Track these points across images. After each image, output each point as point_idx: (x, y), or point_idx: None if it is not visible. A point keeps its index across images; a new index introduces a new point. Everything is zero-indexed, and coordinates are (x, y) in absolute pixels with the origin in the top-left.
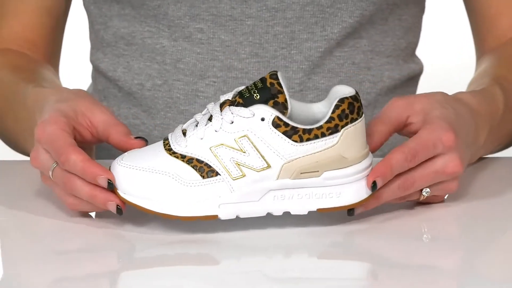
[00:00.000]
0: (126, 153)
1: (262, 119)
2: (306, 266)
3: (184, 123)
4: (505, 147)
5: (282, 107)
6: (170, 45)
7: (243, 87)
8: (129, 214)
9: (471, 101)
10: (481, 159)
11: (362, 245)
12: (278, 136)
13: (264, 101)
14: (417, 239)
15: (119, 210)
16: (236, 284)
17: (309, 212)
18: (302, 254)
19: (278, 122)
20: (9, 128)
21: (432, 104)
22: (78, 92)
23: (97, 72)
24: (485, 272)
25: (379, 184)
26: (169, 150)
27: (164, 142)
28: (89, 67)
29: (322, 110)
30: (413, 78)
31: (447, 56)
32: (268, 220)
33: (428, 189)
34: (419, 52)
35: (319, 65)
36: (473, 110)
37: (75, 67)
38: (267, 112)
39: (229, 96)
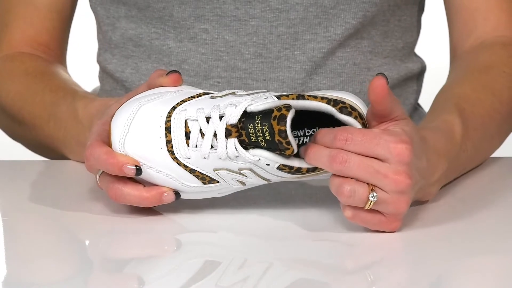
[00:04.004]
0: (127, 137)
1: (268, 164)
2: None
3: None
4: (471, 169)
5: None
6: (176, 46)
7: (248, 102)
8: (135, 215)
9: (431, 138)
10: None
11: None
12: (283, 172)
13: (270, 149)
14: (414, 238)
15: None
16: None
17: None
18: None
19: (283, 167)
20: (47, 134)
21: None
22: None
23: (105, 73)
24: (485, 273)
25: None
26: (172, 153)
27: (166, 139)
28: (93, 67)
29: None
30: (412, 77)
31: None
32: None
33: (375, 194)
34: (423, 50)
35: (321, 65)
36: (430, 147)
37: (79, 68)
38: (272, 161)
39: (236, 114)
